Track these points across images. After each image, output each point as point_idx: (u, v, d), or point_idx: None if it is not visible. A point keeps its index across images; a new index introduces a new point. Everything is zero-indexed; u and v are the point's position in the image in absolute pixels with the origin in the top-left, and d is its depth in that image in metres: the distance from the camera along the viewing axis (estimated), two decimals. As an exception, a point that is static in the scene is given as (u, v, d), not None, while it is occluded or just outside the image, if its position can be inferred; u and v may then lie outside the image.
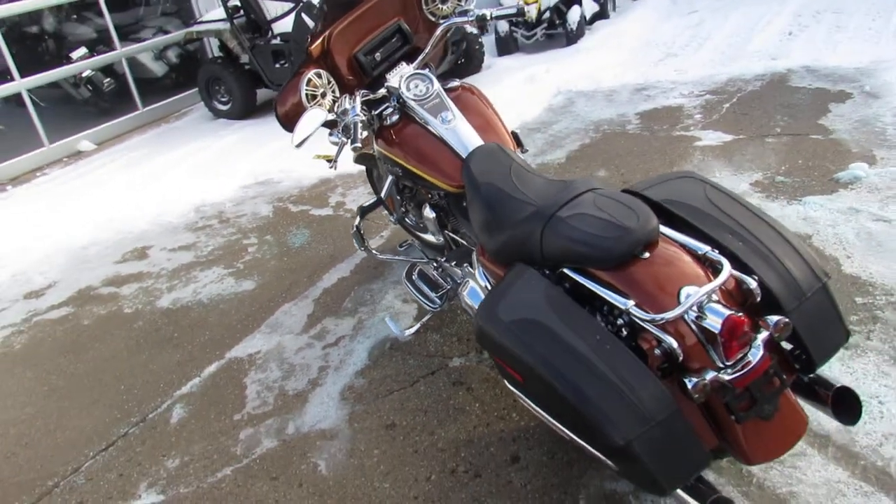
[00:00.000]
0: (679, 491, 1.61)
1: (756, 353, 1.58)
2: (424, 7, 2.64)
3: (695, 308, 1.57)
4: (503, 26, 6.59)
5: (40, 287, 3.82)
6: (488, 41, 6.72)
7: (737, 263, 1.68)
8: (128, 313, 3.38)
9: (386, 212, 2.91)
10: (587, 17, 6.68)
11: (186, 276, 3.65)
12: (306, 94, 2.39)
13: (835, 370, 2.20)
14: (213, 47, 7.24)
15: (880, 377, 2.15)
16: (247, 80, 6.27)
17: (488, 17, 2.54)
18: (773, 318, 1.60)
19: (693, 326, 1.58)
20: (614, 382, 1.54)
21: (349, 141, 2.24)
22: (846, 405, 1.70)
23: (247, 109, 6.45)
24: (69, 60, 6.72)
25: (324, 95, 2.44)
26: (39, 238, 4.43)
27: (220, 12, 6.12)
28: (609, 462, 1.62)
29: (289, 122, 2.36)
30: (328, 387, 2.59)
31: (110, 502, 2.23)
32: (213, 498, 2.17)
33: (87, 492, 2.29)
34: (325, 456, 2.26)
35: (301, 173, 4.64)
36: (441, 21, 2.62)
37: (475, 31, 2.53)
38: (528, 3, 6.40)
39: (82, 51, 6.75)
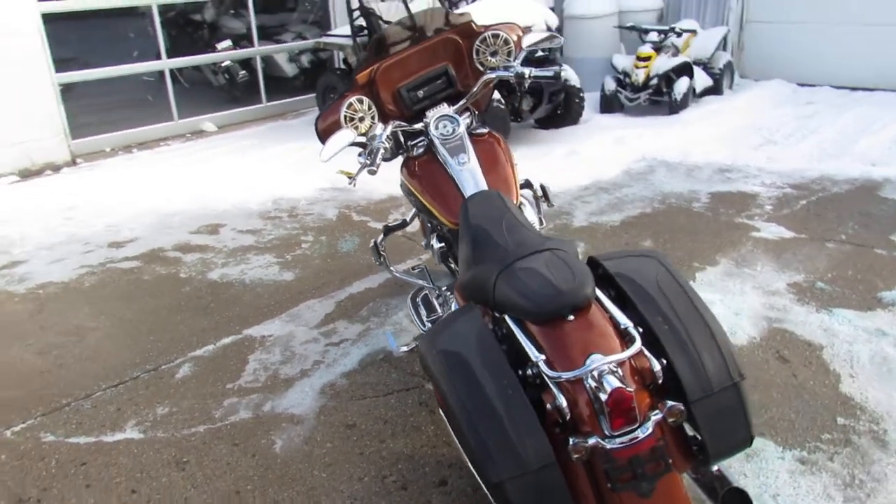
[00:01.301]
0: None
1: (645, 431, 1.65)
2: (475, 57, 2.86)
3: (595, 375, 1.66)
4: (610, 84, 6.69)
5: (123, 240, 4.34)
6: (593, 97, 6.84)
7: (654, 346, 1.76)
8: (181, 278, 3.79)
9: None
10: (696, 90, 6.65)
11: (241, 256, 4.03)
12: (345, 116, 2.66)
13: (781, 481, 2.18)
14: (340, 59, 7.81)
15: (823, 499, 2.12)
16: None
17: (526, 76, 2.70)
18: (670, 403, 1.67)
19: (590, 393, 1.68)
20: (504, 425, 1.65)
21: (369, 164, 2.48)
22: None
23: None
24: (214, 50, 7.49)
25: (362, 120, 2.70)
26: (141, 198, 5.01)
27: (348, 28, 6.63)
28: (490, 496, 1.74)
29: (325, 137, 2.64)
30: (313, 379, 2.82)
31: (102, 429, 2.56)
32: (180, 448, 2.45)
33: (87, 415, 2.64)
34: (285, 437, 2.49)
35: (374, 187, 4.96)
36: (487, 72, 2.82)
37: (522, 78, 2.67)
38: (637, 68, 6.49)
39: (227, 43, 7.51)
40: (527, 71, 2.71)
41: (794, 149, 5.49)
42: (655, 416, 1.67)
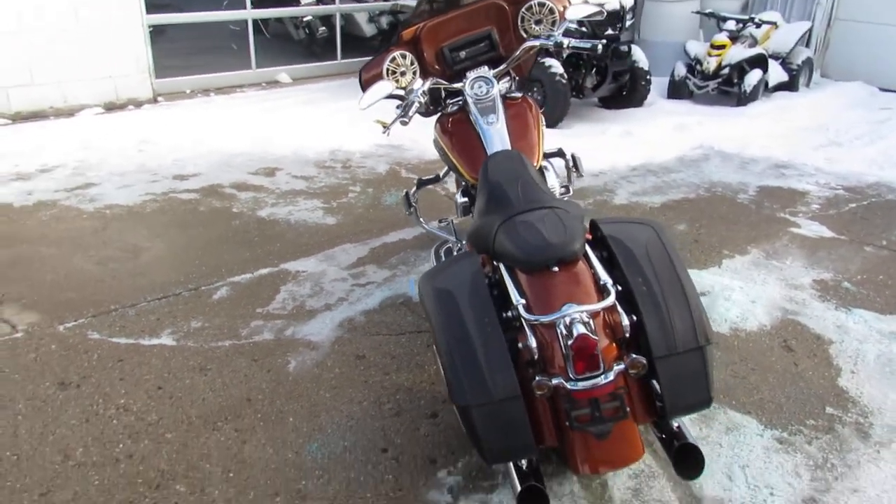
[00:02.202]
0: (510, 467, 1.86)
1: (606, 378, 1.78)
2: (520, 24, 2.96)
3: (567, 321, 1.80)
4: (681, 70, 6.61)
5: (188, 174, 4.66)
6: (661, 82, 6.77)
7: (631, 304, 1.87)
8: (233, 212, 4.08)
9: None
10: (769, 84, 6.49)
11: (291, 199, 4.28)
12: (387, 69, 2.82)
13: (753, 455, 2.26)
14: (415, 23, 7.95)
15: (791, 475, 2.19)
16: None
17: (565, 45, 2.78)
18: (634, 356, 1.79)
19: (560, 337, 1.81)
20: (478, 357, 1.81)
21: (402, 115, 2.64)
22: (689, 461, 1.84)
23: (421, 84, 7.07)
24: (297, 4, 7.76)
25: (403, 74, 2.86)
26: (210, 138, 5.33)
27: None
28: (459, 420, 1.90)
29: (367, 87, 2.81)
30: (335, 313, 3.04)
31: (141, 333, 2.86)
32: (205, 357, 2.71)
33: (130, 321, 2.94)
34: (299, 359, 2.71)
35: (426, 148, 5.10)
36: (529, 39, 2.91)
37: (563, 46, 2.75)
38: (709, 55, 6.38)
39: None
40: (566, 41, 2.79)
41: (857, 152, 5.34)
42: (618, 367, 1.79)
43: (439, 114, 2.91)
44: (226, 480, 2.12)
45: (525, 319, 1.84)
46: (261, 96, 6.70)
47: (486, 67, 2.88)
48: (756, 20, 6.43)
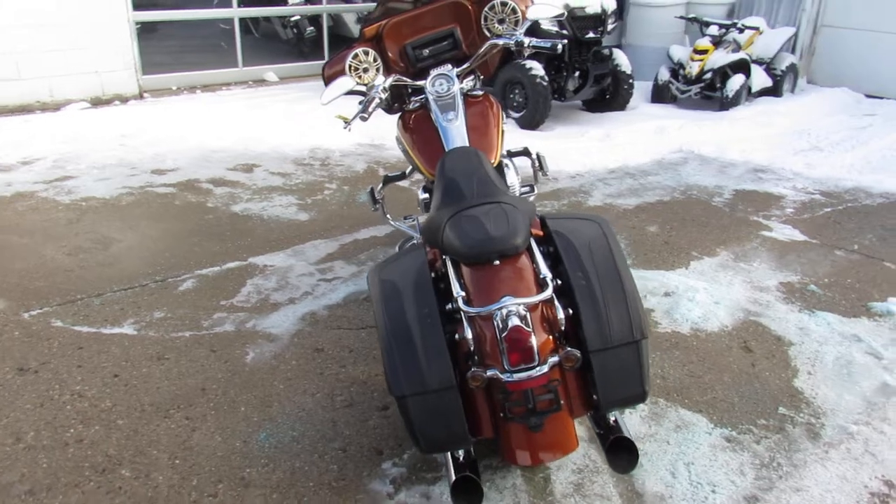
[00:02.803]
0: (448, 458, 1.88)
1: (540, 370, 1.79)
2: (483, 23, 2.98)
3: (504, 314, 1.81)
4: (664, 74, 6.64)
5: (166, 168, 4.68)
6: (645, 86, 6.81)
7: (570, 298, 1.89)
8: (208, 207, 4.10)
9: None
10: (752, 89, 6.52)
11: (266, 195, 4.31)
12: (349, 65, 2.85)
13: (699, 452, 2.27)
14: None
15: (735, 474, 2.20)
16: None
17: (525, 44, 2.80)
18: (568, 349, 1.80)
19: (497, 330, 1.83)
20: (416, 348, 1.82)
21: (361, 111, 2.66)
22: (623, 455, 1.86)
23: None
24: (285, 3, 7.80)
25: (366, 70, 2.88)
26: (192, 134, 5.36)
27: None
28: (398, 409, 1.92)
29: (329, 82, 2.83)
30: (298, 307, 3.06)
31: (103, 322, 2.87)
32: (165, 346, 2.73)
33: (94, 310, 2.96)
34: (257, 351, 2.73)
35: (406, 147, 5.15)
36: (492, 38, 2.93)
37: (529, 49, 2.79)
38: (692, 60, 6.41)
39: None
40: (526, 40, 2.81)
41: (837, 158, 5.36)
42: (553, 359, 1.81)
43: (402, 111, 2.93)
44: (171, 467, 2.13)
45: (463, 311, 1.86)
46: (247, 94, 6.73)
47: (450, 65, 2.91)
48: (739, 25, 6.46)
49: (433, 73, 2.83)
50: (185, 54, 7.61)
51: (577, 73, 6.04)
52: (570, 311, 1.86)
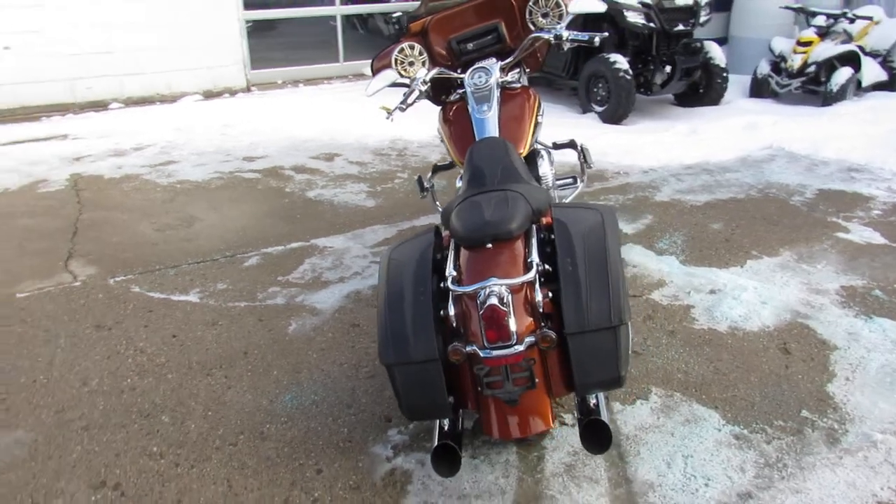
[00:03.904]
0: (435, 426, 2.01)
1: (516, 349, 1.88)
2: (528, 17, 3.05)
3: (486, 293, 1.91)
4: (764, 68, 6.34)
5: (256, 156, 5.08)
6: (746, 80, 6.53)
7: (552, 281, 1.96)
8: (285, 191, 4.42)
9: None
10: (863, 83, 6.09)
11: (340, 182, 4.58)
12: (395, 59, 3.02)
13: (702, 447, 2.26)
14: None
15: (734, 470, 2.18)
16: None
17: (564, 38, 2.85)
18: (544, 330, 1.88)
19: (479, 308, 1.93)
20: (405, 321, 1.96)
21: (401, 102, 2.83)
22: (596, 437, 1.91)
23: (499, 78, 7.22)
24: (387, 0, 8.11)
25: (411, 64, 3.04)
26: (286, 124, 5.76)
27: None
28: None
29: (376, 74, 3.02)
30: (346, 286, 3.28)
31: (173, 290, 3.23)
32: (220, 314, 3.03)
33: (169, 280, 3.32)
34: (300, 323, 2.97)
35: (481, 139, 5.27)
36: (535, 32, 3.00)
37: (565, 43, 2.83)
38: (794, 52, 6.09)
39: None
40: (565, 34, 2.86)
41: (951, 159, 4.94)
42: (529, 339, 1.89)
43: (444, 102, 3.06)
44: (204, 417, 2.40)
45: (451, 290, 1.98)
46: (344, 88, 7.09)
47: (494, 59, 3.00)
48: (850, 15, 6.05)
49: (477, 65, 2.94)
50: (292, 50, 8.10)
51: (666, 67, 5.91)
52: (552, 295, 1.93)
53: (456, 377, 1.99)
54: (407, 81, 2.93)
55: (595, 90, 5.87)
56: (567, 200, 3.38)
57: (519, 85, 2.97)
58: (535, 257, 2.00)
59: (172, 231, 3.86)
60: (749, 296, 3.15)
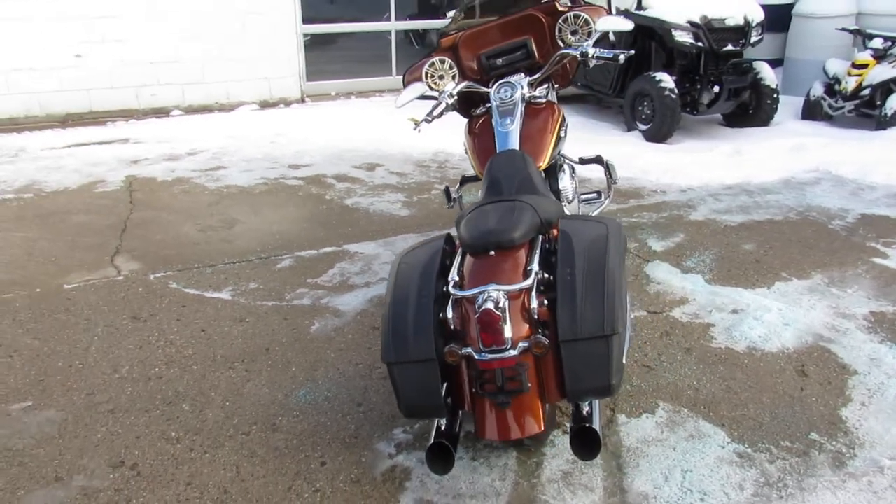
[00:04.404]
0: (433, 425, 2.08)
1: (509, 353, 1.94)
2: (557, 34, 3.12)
3: (483, 298, 1.98)
4: (817, 90, 6.20)
5: (302, 164, 5.27)
6: (797, 102, 6.40)
7: (552, 290, 2.01)
8: (325, 198, 4.58)
9: None
10: (923, 107, 5.88)
11: (379, 191, 4.71)
12: (425, 72, 3.13)
13: (702, 463, 2.26)
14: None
15: (732, 487, 2.17)
16: (553, 71, 7.07)
17: (590, 55, 2.90)
18: (538, 336, 1.93)
19: (476, 313, 1.99)
20: (407, 321, 2.04)
21: (427, 114, 2.93)
22: (586, 444, 1.94)
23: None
24: (443, 16, 8.27)
25: (441, 77, 3.14)
26: (334, 134, 5.96)
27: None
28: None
29: (407, 87, 3.13)
30: (371, 290, 3.38)
31: (208, 287, 3.39)
32: (248, 311, 3.17)
33: (205, 278, 3.49)
34: (322, 323, 3.09)
35: (520, 154, 5.33)
36: (563, 49, 3.06)
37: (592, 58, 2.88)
38: (849, 75, 5.94)
39: (453, 12, 8.24)
40: (591, 51, 2.91)
41: None
42: (523, 344, 1.95)
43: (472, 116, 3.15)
44: (221, 407, 2.53)
45: (452, 294, 2.05)
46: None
47: (523, 74, 3.07)
48: (909, 38, 5.88)
49: (506, 80, 3.02)
50: (348, 63, 8.33)
51: (714, 87, 5.85)
52: (550, 303, 1.98)
53: (454, 379, 2.05)
54: (435, 94, 3.04)
55: (640, 108, 5.86)
56: (593, 215, 3.41)
57: (544, 100, 3.03)
58: (534, 265, 2.05)
59: (214, 232, 4.05)
60: (772, 317, 3.11)
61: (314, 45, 7.47)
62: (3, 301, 3.28)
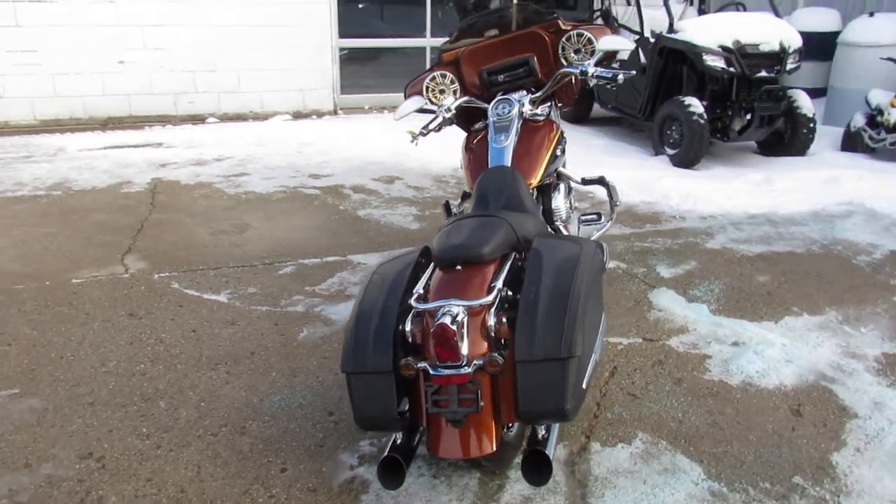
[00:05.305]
0: (391, 439, 2.05)
1: (463, 370, 1.90)
2: (560, 52, 3.08)
3: (442, 312, 1.94)
4: (858, 121, 5.98)
5: (323, 174, 5.33)
6: (839, 132, 6.19)
7: (511, 309, 1.97)
8: (339, 209, 4.62)
9: None
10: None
11: (393, 204, 4.73)
12: (426, 86, 3.13)
13: (672, 499, 2.17)
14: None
15: (701, 527, 2.08)
16: (586, 93, 7.01)
17: (590, 74, 2.86)
18: (492, 354, 1.89)
19: (432, 327, 1.96)
20: (368, 332, 2.03)
21: (423, 127, 2.93)
22: (538, 467, 1.88)
23: (579, 116, 7.23)
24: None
25: (442, 92, 3.14)
26: (360, 146, 6.01)
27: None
28: None
29: (407, 99, 3.14)
30: (365, 301, 3.37)
31: (207, 290, 3.44)
32: (241, 314, 3.20)
33: (207, 279, 3.55)
34: (311, 331, 3.09)
35: (541, 173, 5.28)
36: (565, 67, 3.02)
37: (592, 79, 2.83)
38: (893, 106, 5.71)
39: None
40: (591, 70, 2.87)
41: None
42: (478, 362, 1.90)
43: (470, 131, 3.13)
44: (196, 407, 2.55)
45: (413, 307, 2.03)
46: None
47: (525, 92, 3.05)
48: (957, 69, 5.63)
49: (506, 96, 3.00)
50: (382, 77, 8.42)
51: (746, 113, 5.70)
52: (509, 321, 1.93)
53: (414, 394, 2.02)
54: (434, 108, 3.04)
55: (669, 132, 5.75)
56: (594, 237, 3.35)
57: (542, 117, 2.99)
58: (499, 282, 2.01)
59: (224, 236, 4.12)
60: (774, 352, 2.98)
61: (354, 59, 7.58)
62: (14, 292, 3.40)
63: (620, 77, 2.81)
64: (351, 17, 7.64)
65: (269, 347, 2.96)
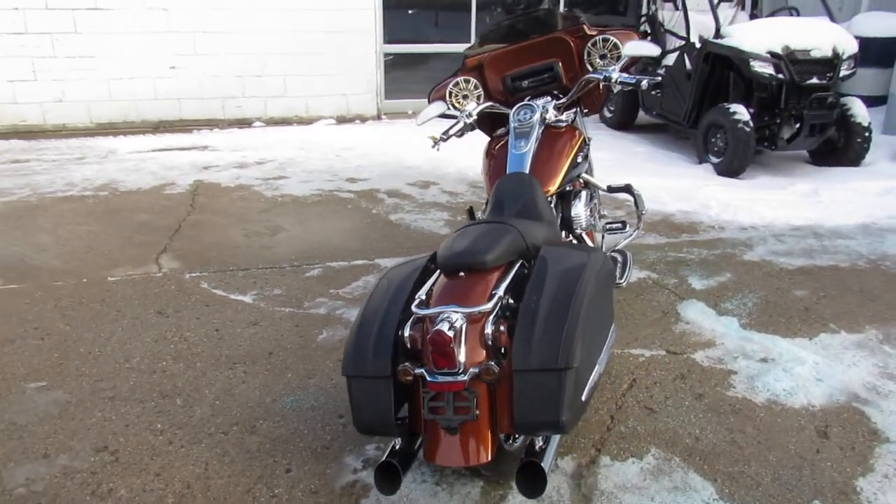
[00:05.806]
0: (391, 444, 2.05)
1: (459, 377, 1.88)
2: (586, 57, 3.03)
3: (440, 319, 1.93)
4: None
5: (359, 178, 5.38)
6: (895, 142, 5.91)
7: (512, 317, 1.94)
8: (372, 213, 4.65)
9: None
10: None
11: (426, 209, 4.73)
12: (449, 91, 3.12)
13: (682, 518, 2.10)
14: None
15: (708, 549, 2.00)
16: (631, 100, 6.89)
17: (613, 79, 2.81)
18: (489, 363, 1.86)
19: (429, 333, 1.95)
20: (370, 337, 2.03)
21: (443, 132, 2.93)
22: (531, 479, 1.84)
23: (623, 123, 7.11)
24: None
25: (465, 97, 3.13)
26: (398, 151, 6.06)
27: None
28: None
29: (430, 104, 3.14)
30: (387, 305, 3.38)
31: (234, 290, 3.51)
32: (264, 315, 3.25)
33: (235, 279, 3.62)
34: (330, 333, 3.12)
35: (578, 180, 5.20)
36: (590, 73, 2.97)
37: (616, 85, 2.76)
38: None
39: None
40: (614, 76, 2.81)
41: None
42: (474, 370, 1.88)
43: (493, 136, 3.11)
44: (211, 405, 2.60)
45: (414, 313, 2.02)
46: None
47: (549, 97, 3.01)
48: None
49: (531, 101, 2.98)
50: (428, 83, 8.43)
51: (796, 122, 5.50)
52: (508, 330, 1.91)
53: (412, 401, 2.01)
54: (456, 114, 3.03)
55: (713, 140, 5.60)
56: (620, 245, 3.29)
57: (565, 124, 2.95)
58: (500, 290, 1.99)
59: (257, 238, 4.20)
60: (804, 370, 2.86)
61: (401, 64, 7.64)
62: (53, 288, 3.53)
63: (644, 83, 2.75)
64: (403, 23, 7.70)
65: (288, 349, 2.99)
